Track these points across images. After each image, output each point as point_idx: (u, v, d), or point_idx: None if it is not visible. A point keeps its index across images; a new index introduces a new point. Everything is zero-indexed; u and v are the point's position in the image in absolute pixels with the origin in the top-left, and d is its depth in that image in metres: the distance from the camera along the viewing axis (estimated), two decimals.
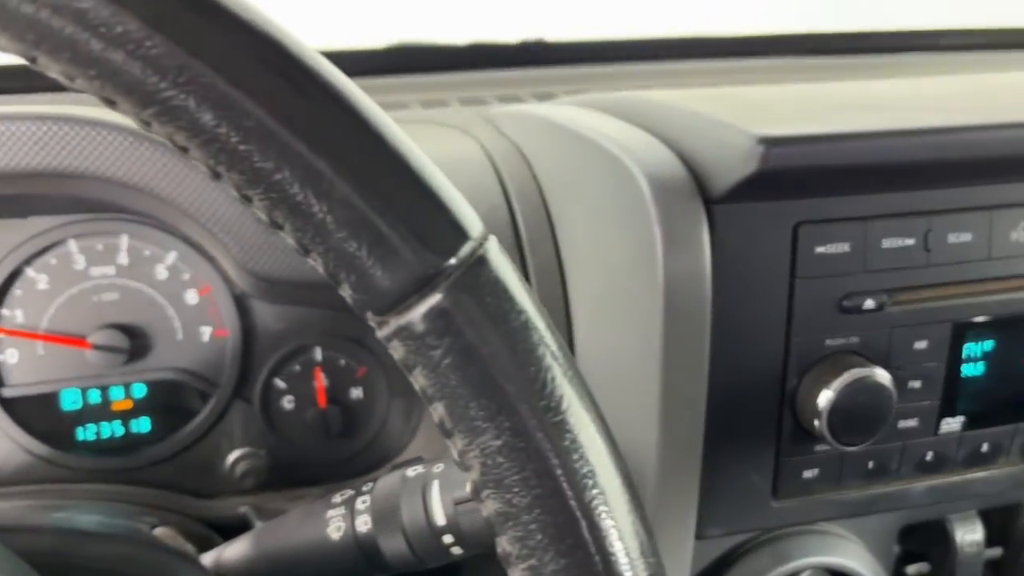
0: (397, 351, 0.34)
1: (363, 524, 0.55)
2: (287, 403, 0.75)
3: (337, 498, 0.57)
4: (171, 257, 0.72)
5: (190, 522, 0.70)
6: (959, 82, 0.83)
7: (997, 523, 0.83)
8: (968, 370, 0.66)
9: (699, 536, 0.66)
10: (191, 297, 0.72)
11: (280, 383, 0.74)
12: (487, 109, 0.96)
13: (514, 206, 0.74)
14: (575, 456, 0.34)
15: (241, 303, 0.73)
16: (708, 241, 0.58)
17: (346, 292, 0.34)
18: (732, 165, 0.56)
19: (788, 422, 0.64)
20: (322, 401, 0.75)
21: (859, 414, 0.61)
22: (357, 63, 0.86)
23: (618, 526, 0.34)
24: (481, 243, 0.34)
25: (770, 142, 0.54)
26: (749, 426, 0.64)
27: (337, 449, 0.77)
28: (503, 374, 0.33)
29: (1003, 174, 0.63)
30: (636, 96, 0.74)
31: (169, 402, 0.73)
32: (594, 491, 0.34)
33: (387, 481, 0.56)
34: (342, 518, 0.56)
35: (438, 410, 0.34)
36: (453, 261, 0.33)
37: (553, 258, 0.72)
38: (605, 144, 0.63)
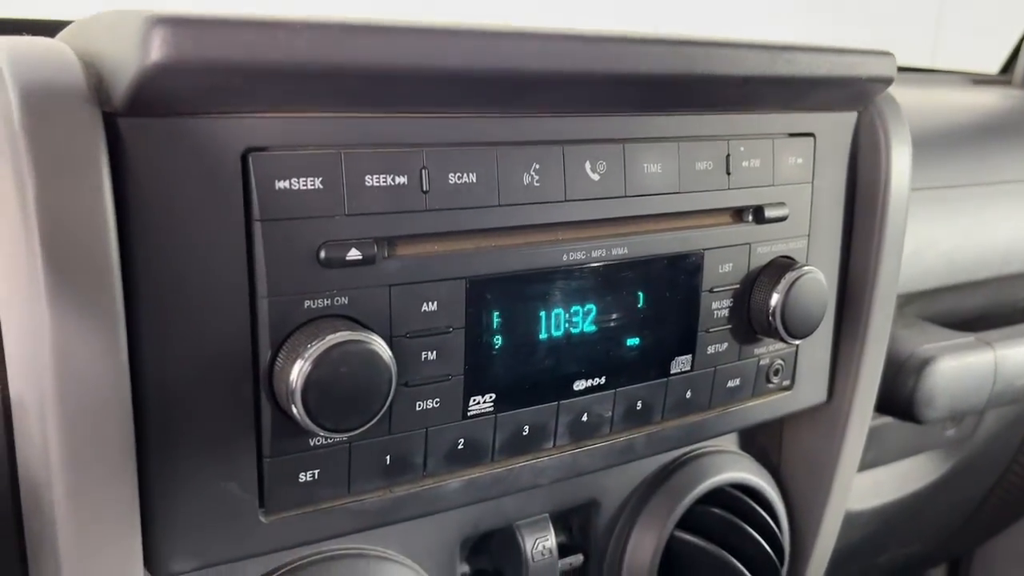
0: None
1: None
2: None
3: None
4: None
5: None
6: None
7: (577, 526, 0.74)
8: (494, 338, 0.57)
9: (156, 573, 0.50)
10: None
11: None
12: None
13: None
14: None
15: None
16: (106, 164, 0.43)
17: None
18: (126, 59, 0.42)
19: (268, 410, 0.50)
20: None
21: (344, 391, 0.48)
22: None
23: None
24: None
25: (167, 23, 0.41)
26: (213, 418, 0.49)
27: None
28: None
29: (508, 102, 0.54)
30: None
31: None
32: None
33: None
34: None
35: None
36: None
37: None
38: None
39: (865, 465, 1.13)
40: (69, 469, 0.45)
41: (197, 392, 0.48)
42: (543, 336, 0.59)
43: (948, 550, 1.65)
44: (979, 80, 1.59)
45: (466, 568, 0.69)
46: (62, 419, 0.44)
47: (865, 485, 1.22)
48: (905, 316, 1.03)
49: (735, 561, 0.72)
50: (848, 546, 1.23)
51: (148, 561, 0.49)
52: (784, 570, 0.77)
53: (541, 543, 0.68)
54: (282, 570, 0.58)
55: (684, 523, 0.74)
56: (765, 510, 0.77)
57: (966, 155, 1.12)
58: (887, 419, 1.18)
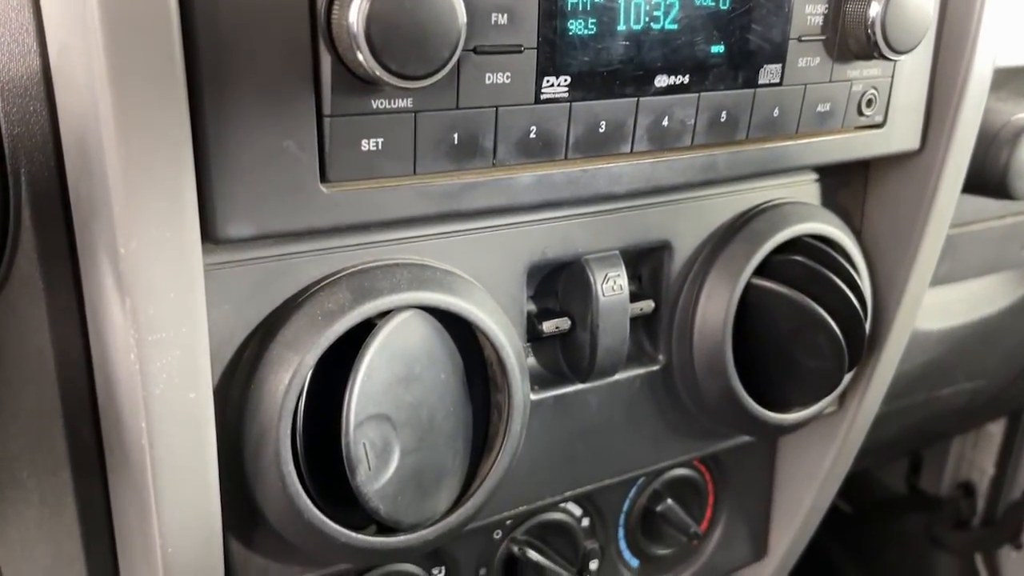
0: None
1: None
2: None
3: None
4: None
5: None
6: None
7: (648, 273, 0.70)
8: (569, 15, 0.51)
9: (213, 239, 0.46)
10: None
11: None
12: None
13: None
14: None
15: None
16: None
17: None
18: None
19: (328, 61, 0.46)
20: None
21: (410, 28, 0.44)
22: None
23: None
24: None
25: None
26: (269, 70, 0.45)
27: None
28: None
29: None
30: None
31: None
32: None
33: None
34: None
35: None
36: None
37: None
38: None
39: (937, 280, 1.07)
40: (120, 122, 0.41)
41: (251, 39, 0.44)
42: (621, 27, 0.54)
43: (1013, 396, 1.60)
44: None
45: (532, 307, 0.66)
46: (112, 65, 0.40)
47: (935, 304, 1.16)
48: (1000, 93, 0.96)
49: (818, 308, 0.68)
50: (913, 370, 1.18)
51: (204, 224, 0.46)
52: (867, 324, 0.72)
53: (612, 278, 0.64)
54: (343, 273, 0.54)
55: (761, 273, 0.69)
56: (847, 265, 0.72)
57: None
58: (964, 228, 1.12)
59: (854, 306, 0.69)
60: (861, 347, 0.70)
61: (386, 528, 0.57)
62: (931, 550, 1.83)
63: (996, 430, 1.75)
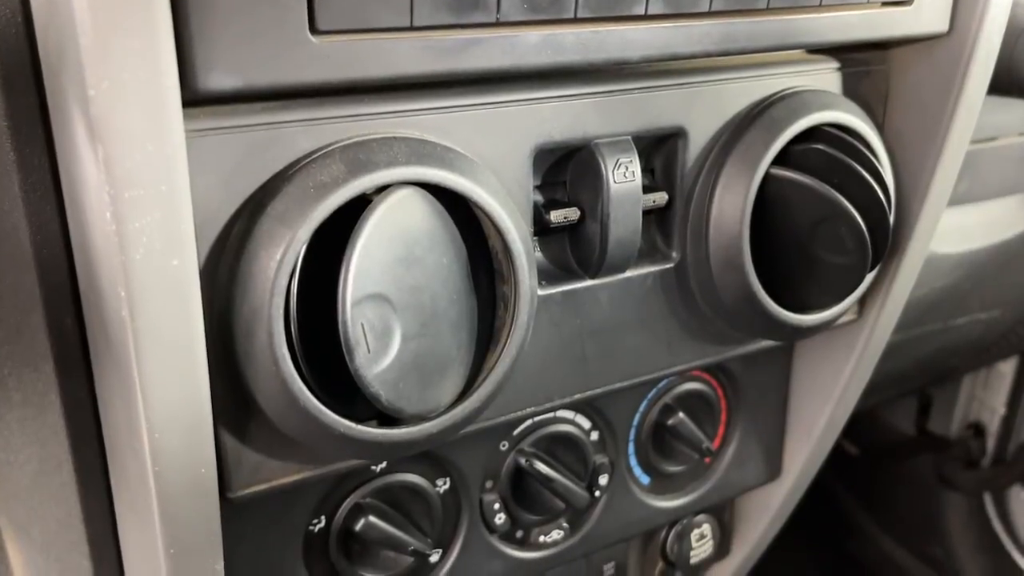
0: None
1: None
2: None
3: None
4: None
5: None
6: None
7: (661, 164, 0.66)
8: None
9: (193, 90, 0.43)
10: None
11: None
12: None
13: None
14: None
15: None
16: None
17: None
18: None
19: None
20: None
21: None
22: None
23: None
24: None
25: None
26: None
27: None
28: None
29: None
30: None
31: None
32: None
33: None
34: None
35: None
36: None
37: None
38: None
39: (956, 199, 1.03)
40: None
41: None
42: None
43: None
44: None
45: (539, 196, 0.62)
46: None
47: (953, 226, 1.13)
48: None
49: (841, 198, 0.64)
50: (929, 295, 1.15)
51: (184, 75, 0.42)
52: (891, 216, 0.68)
53: (624, 164, 0.61)
54: (337, 145, 0.50)
55: (780, 163, 0.66)
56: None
57: None
58: (985, 144, 1.08)
59: (879, 197, 0.66)
60: (886, 241, 0.67)
61: (388, 423, 0.54)
62: (939, 491, 1.82)
63: (1007, 369, 1.72)
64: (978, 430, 1.80)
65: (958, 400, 1.80)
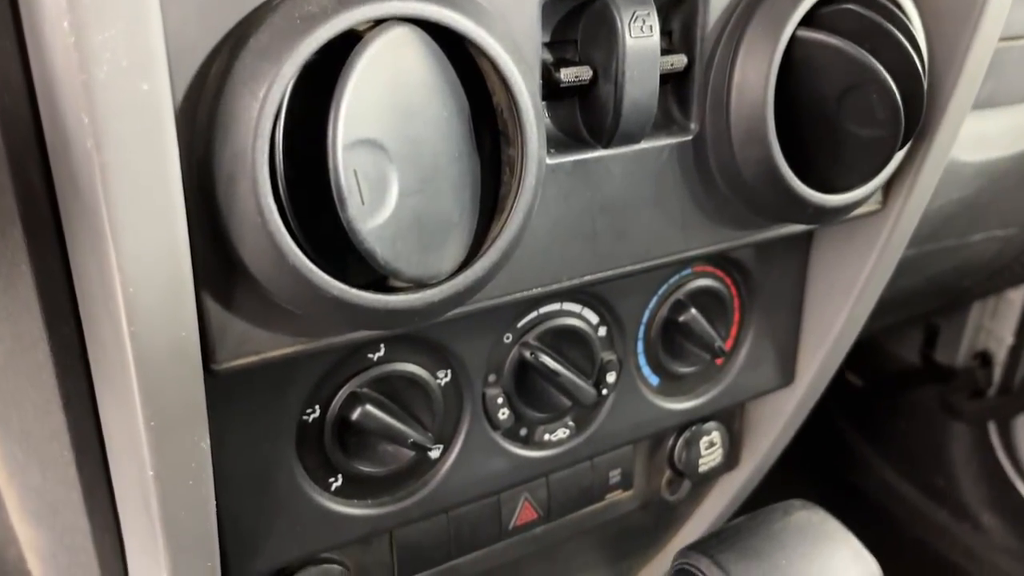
0: None
1: None
2: None
3: None
4: None
5: None
6: None
7: (679, 24, 0.61)
8: None
9: None
10: None
11: None
12: None
13: None
14: None
15: None
16: None
17: None
18: None
19: None
20: None
21: None
22: None
23: None
24: None
25: None
26: None
27: None
28: None
29: None
30: None
31: None
32: None
33: None
34: None
35: None
36: None
37: None
38: None
39: (979, 103, 0.98)
40: None
41: None
42: None
43: None
44: None
45: (547, 55, 0.57)
46: None
47: (974, 133, 1.08)
48: None
49: (874, 61, 0.59)
50: (947, 206, 1.10)
51: None
52: (926, 86, 0.63)
53: (641, 17, 0.55)
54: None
55: (808, 25, 0.61)
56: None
57: None
58: (1014, 41, 1.03)
59: (915, 64, 0.61)
60: (919, 112, 0.62)
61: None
62: (943, 422, 1.80)
63: (1016, 297, 1.69)
64: (985, 360, 1.77)
65: (965, 330, 1.77)
